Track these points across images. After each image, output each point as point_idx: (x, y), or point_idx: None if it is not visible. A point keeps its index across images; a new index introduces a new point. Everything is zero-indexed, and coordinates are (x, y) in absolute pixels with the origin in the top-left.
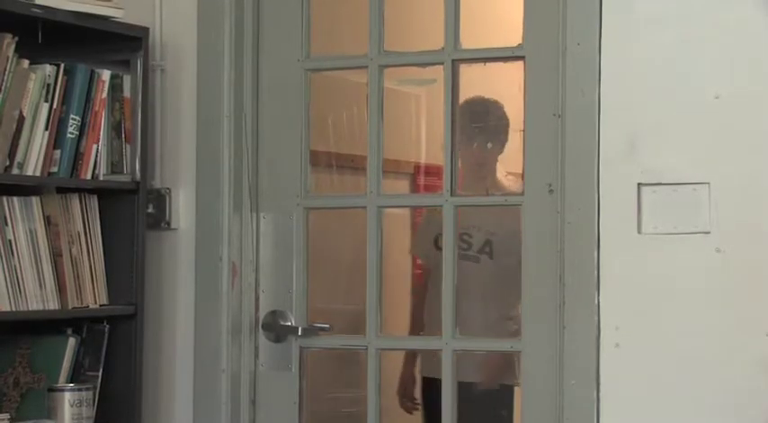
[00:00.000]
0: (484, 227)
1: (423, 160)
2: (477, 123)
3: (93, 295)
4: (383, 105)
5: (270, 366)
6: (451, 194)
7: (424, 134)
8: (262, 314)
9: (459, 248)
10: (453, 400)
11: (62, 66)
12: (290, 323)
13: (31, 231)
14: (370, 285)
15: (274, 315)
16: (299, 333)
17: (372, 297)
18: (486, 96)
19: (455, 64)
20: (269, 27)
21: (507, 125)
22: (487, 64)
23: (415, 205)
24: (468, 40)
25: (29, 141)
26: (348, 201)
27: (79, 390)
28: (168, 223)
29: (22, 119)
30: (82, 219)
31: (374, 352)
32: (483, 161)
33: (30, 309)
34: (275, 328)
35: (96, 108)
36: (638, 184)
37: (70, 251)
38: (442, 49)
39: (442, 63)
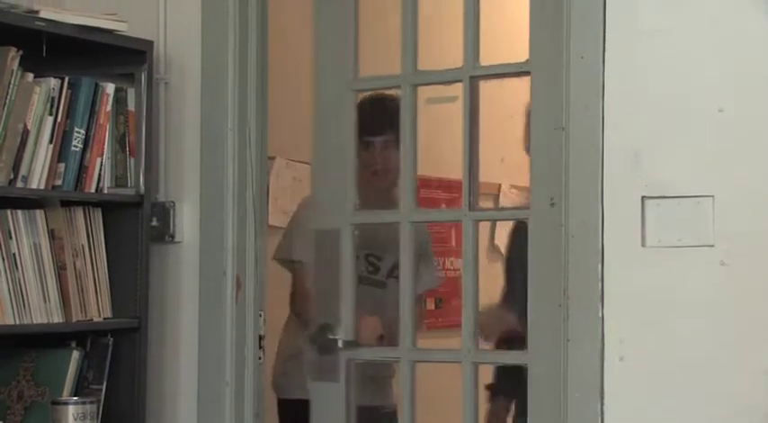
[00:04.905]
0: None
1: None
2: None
3: (97, 308)
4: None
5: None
6: (470, 209)
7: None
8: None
9: (367, 271)
10: (472, 413)
11: (66, 79)
12: None
13: (35, 245)
14: (403, 297)
15: None
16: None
17: (406, 309)
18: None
19: (473, 81)
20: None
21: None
22: (503, 80)
23: (435, 220)
24: (487, 57)
25: (33, 154)
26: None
27: (83, 403)
28: (172, 236)
29: (26, 132)
30: (86, 232)
31: (407, 364)
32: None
33: (34, 322)
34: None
35: (100, 121)
36: (642, 197)
37: (74, 264)
38: (462, 67)
39: (461, 80)
